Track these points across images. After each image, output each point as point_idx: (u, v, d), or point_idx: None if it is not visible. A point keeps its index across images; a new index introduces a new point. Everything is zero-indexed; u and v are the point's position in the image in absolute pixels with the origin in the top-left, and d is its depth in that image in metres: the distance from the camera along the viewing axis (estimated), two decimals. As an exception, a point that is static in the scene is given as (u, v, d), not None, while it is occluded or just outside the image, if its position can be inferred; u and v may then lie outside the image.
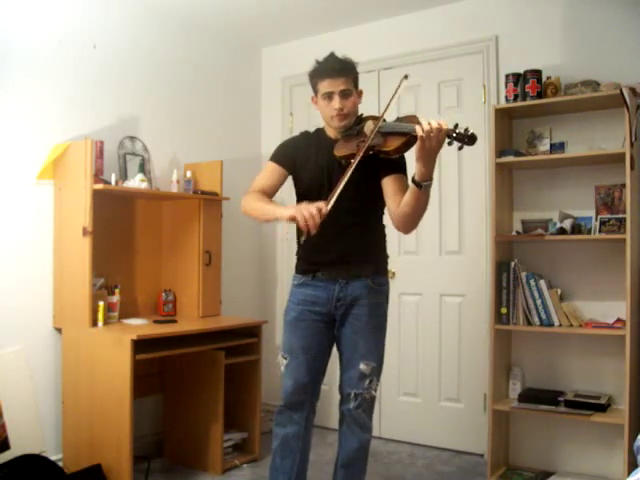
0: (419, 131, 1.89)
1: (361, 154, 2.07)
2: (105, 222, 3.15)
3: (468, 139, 1.89)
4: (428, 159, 1.95)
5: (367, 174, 2.20)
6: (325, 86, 2.21)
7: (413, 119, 2.05)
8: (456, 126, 1.91)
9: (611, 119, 2.95)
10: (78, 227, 2.92)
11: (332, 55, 2.26)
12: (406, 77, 2.07)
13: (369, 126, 2.18)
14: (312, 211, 1.93)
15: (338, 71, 2.20)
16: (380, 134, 2.11)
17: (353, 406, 2.26)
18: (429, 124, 1.88)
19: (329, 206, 1.97)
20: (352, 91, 2.23)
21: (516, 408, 3.03)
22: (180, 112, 3.78)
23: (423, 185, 2.00)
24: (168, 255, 3.60)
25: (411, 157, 2.30)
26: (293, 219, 1.97)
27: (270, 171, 2.34)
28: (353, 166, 2.06)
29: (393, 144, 2.08)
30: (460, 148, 1.93)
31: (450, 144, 1.95)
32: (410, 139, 2.02)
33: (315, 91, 2.28)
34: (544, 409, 2.94)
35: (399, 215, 2.14)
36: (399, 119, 2.16)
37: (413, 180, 2.02)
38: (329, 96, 2.21)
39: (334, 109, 2.21)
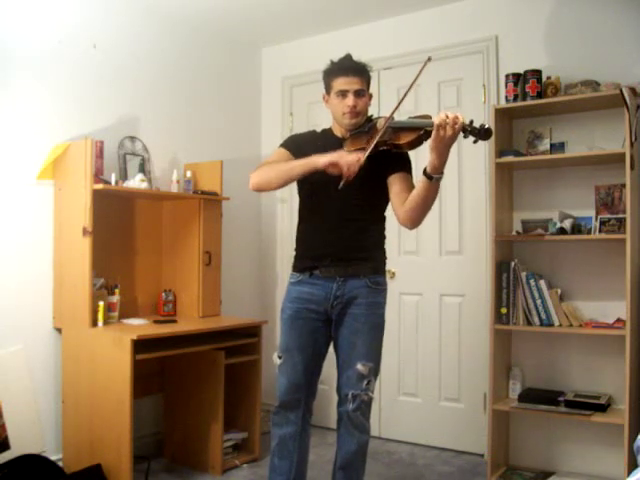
0: (436, 120, 1.93)
1: (376, 138, 2.10)
2: (105, 222, 3.15)
3: (484, 132, 1.95)
4: (442, 150, 1.97)
5: (373, 171, 2.21)
6: (340, 83, 2.25)
7: (427, 117, 2.12)
8: (472, 121, 1.97)
9: (611, 119, 2.95)
10: (78, 227, 2.92)
11: (349, 55, 2.31)
12: (429, 59, 2.07)
13: (381, 123, 2.21)
14: (353, 158, 2.03)
15: (355, 70, 2.25)
16: (392, 130, 2.15)
17: (351, 408, 2.26)
18: (446, 115, 1.92)
19: (365, 157, 2.05)
20: (365, 91, 2.28)
21: (516, 408, 3.02)
22: (180, 112, 3.79)
23: (434, 178, 2.02)
24: (168, 255, 3.60)
25: (418, 154, 2.31)
26: (334, 165, 2.04)
27: (279, 155, 2.33)
28: (374, 141, 2.09)
29: (406, 138, 2.11)
30: (475, 141, 1.99)
31: (466, 137, 1.99)
32: (423, 134, 2.07)
33: (328, 88, 2.31)
34: (544, 409, 2.93)
35: (407, 208, 2.15)
36: (412, 117, 2.20)
37: (425, 172, 2.04)
38: (343, 94, 2.25)
39: (347, 106, 2.24)
